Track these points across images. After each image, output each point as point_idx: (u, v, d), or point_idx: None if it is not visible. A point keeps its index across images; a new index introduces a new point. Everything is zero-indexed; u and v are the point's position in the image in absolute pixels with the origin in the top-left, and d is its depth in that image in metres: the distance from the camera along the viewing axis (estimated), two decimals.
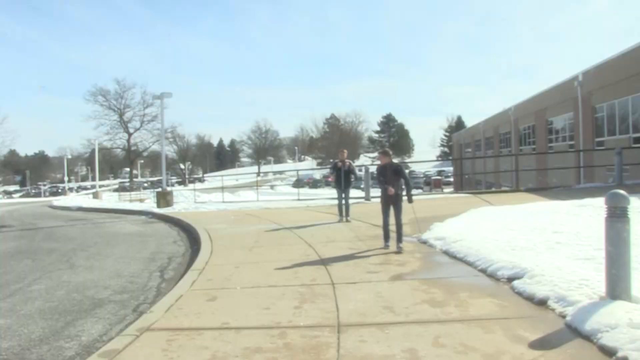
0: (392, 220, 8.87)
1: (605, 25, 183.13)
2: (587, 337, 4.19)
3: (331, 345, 4.40)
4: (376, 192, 11.27)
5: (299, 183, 45.11)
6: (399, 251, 8.48)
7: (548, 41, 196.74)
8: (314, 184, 68.21)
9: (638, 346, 3.75)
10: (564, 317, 4.72)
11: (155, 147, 74.59)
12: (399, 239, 8.68)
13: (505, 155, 38.23)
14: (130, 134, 72.83)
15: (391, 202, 8.74)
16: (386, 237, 8.93)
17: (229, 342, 4.62)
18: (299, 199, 21.90)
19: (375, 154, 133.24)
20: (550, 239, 7.97)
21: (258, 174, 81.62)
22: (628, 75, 20.14)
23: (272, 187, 55.40)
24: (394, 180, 8.66)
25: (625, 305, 4.47)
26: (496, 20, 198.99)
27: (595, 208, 10.10)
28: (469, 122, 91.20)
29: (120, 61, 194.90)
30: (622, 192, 4.76)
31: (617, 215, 4.71)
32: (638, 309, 4.36)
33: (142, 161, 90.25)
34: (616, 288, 4.67)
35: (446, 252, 8.20)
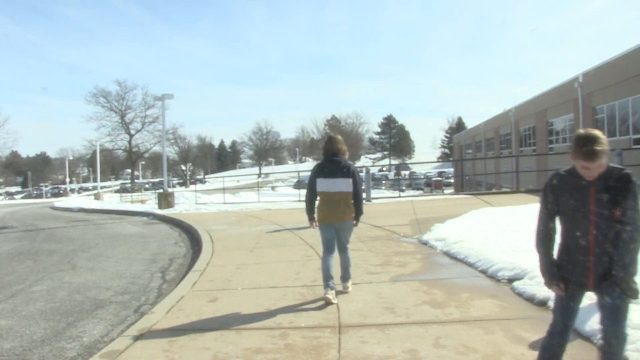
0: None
1: (604, 27, 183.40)
2: (587, 338, 4.22)
3: (332, 346, 4.42)
4: (377, 192, 11.00)
5: (300, 184, 45.07)
6: None
7: (547, 43, 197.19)
8: None
9: (638, 347, 3.77)
10: None
11: (157, 148, 74.78)
12: None
13: (505, 157, 38.24)
14: (131, 135, 72.89)
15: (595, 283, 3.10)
16: None
17: (230, 342, 4.64)
18: (300, 200, 21.90)
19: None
20: None
21: (259, 175, 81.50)
22: (628, 76, 20.16)
23: (273, 188, 55.34)
24: (609, 222, 2.99)
25: None
26: (495, 21, 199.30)
27: None
28: (470, 124, 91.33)
29: (120, 63, 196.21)
30: None
31: None
32: (637, 310, 4.37)
33: (143, 162, 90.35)
34: None
35: (447, 253, 8.20)
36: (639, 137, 19.87)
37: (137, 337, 4.90)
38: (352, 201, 5.91)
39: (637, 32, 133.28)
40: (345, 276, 6.14)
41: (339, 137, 6.09)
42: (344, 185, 5.81)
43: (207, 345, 4.60)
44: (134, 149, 74.23)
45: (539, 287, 5.54)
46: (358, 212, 6.00)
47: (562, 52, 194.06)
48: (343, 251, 6.10)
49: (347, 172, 5.83)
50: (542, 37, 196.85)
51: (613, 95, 21.54)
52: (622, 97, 20.80)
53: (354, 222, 6.04)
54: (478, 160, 50.54)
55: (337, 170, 5.83)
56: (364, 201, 6.69)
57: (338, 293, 6.03)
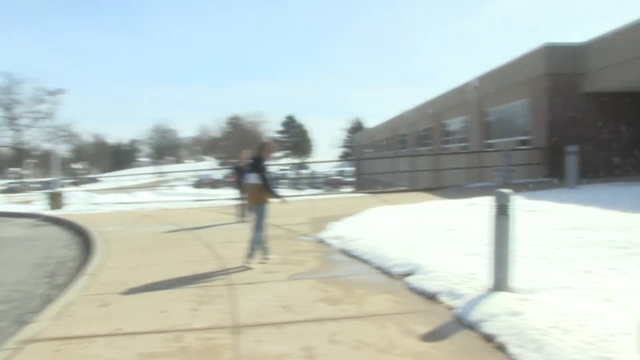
0: None
1: (495, 35, 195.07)
2: (473, 327, 4.44)
3: (228, 347, 4.37)
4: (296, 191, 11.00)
5: (199, 183, 44.28)
6: None
7: (444, 48, 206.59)
8: (215, 184, 67.31)
9: (514, 331, 4.09)
10: (453, 309, 4.96)
11: (49, 145, 70.78)
12: None
13: (402, 156, 39.52)
14: (19, 132, 68.52)
15: None
16: None
17: (122, 348, 4.47)
18: (199, 200, 21.53)
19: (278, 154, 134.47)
20: (443, 237, 8.33)
21: (157, 173, 79.24)
22: (515, 82, 21.44)
23: (171, 187, 53.98)
24: None
25: (506, 296, 4.80)
26: (397, 25, 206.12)
27: (484, 206, 10.68)
28: (371, 124, 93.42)
29: (10, 55, 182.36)
30: (505, 191, 5.07)
31: (501, 213, 5.02)
32: (516, 299, 4.68)
33: (33, 160, 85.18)
34: (499, 280, 5.00)
35: (343, 251, 8.34)
36: (523, 138, 21.19)
37: (17, 350, 4.59)
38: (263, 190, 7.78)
39: (529, 41, 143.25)
40: (252, 254, 7.65)
41: (268, 143, 8.33)
42: (253, 178, 7.75)
43: (98, 352, 4.41)
44: (22, 146, 69.83)
45: (429, 281, 5.77)
46: (271, 195, 7.86)
47: (457, 57, 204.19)
48: (255, 230, 7.75)
49: (256, 168, 7.74)
50: (439, 42, 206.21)
51: (503, 99, 22.83)
52: (510, 101, 22.11)
53: (279, 200, 8.05)
54: (377, 160, 51.86)
55: (251, 167, 7.88)
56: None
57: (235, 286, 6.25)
